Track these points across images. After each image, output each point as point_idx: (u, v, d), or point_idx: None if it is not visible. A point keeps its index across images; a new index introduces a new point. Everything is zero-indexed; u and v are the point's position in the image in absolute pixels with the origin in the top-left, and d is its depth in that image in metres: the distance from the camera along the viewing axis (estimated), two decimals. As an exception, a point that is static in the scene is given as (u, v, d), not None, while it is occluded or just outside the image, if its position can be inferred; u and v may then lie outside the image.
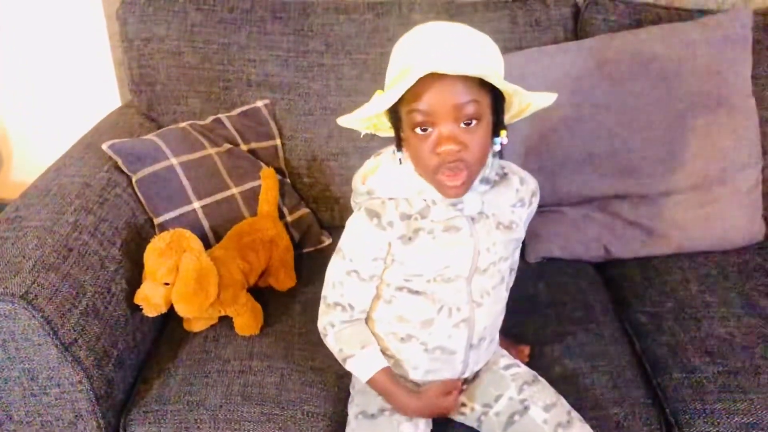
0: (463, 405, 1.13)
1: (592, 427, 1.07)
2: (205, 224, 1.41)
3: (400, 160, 0.99)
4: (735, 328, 1.29)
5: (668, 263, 1.48)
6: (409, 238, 1.00)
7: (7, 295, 1.03)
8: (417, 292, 1.04)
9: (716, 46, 1.48)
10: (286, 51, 1.58)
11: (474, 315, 1.06)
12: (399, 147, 0.99)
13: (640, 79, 1.48)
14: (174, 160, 1.42)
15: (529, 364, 1.18)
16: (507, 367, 1.14)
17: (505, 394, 1.10)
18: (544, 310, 1.37)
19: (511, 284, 1.15)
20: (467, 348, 1.08)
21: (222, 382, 1.19)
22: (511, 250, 1.09)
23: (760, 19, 1.56)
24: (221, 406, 1.15)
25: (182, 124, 1.54)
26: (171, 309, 1.23)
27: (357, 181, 1.05)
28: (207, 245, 1.33)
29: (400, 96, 0.88)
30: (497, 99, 0.93)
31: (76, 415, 1.12)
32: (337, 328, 1.08)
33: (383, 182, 1.01)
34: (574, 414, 1.07)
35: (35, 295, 1.05)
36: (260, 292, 1.38)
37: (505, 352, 1.18)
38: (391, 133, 1.01)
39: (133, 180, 1.39)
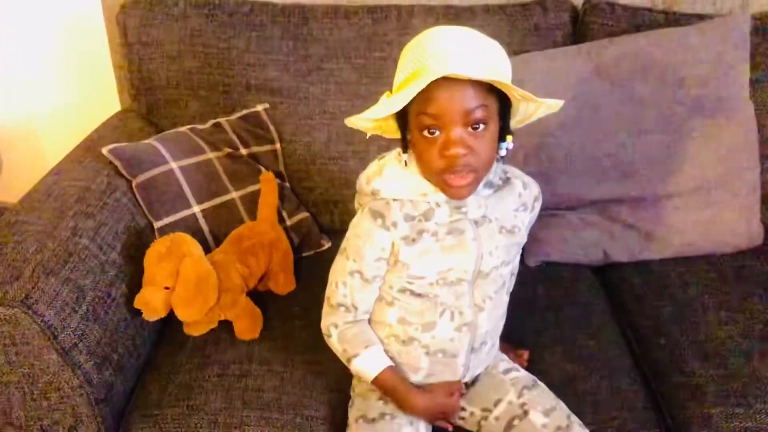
0: (463, 409, 1.13)
1: (591, 431, 1.08)
2: (205, 228, 1.42)
3: (405, 161, 0.99)
4: (734, 332, 1.29)
5: (667, 267, 1.48)
6: (413, 240, 1.00)
7: (8, 300, 1.03)
8: (419, 295, 1.04)
9: (714, 51, 1.49)
10: (286, 55, 1.59)
11: (476, 319, 1.06)
12: (405, 149, 0.99)
13: (639, 83, 1.49)
14: (174, 165, 1.42)
15: (528, 369, 1.18)
16: (506, 372, 1.14)
17: (505, 398, 1.10)
18: (543, 314, 1.37)
19: (511, 289, 1.15)
20: (468, 352, 1.08)
21: (222, 386, 1.19)
22: (513, 254, 1.09)
23: (758, 23, 1.56)
24: (221, 411, 1.15)
25: (182, 129, 1.54)
26: (171, 313, 1.24)
27: (362, 182, 1.05)
28: (207, 249, 1.34)
29: (411, 98, 0.89)
30: (504, 104, 0.94)
31: (76, 420, 1.12)
32: (340, 328, 1.08)
33: (388, 183, 1.01)
34: (574, 418, 1.07)
35: (35, 300, 1.05)
36: (260, 296, 1.38)
37: (504, 356, 1.19)
38: (396, 135, 1.01)
39: (133, 184, 1.39)
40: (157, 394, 1.19)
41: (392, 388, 1.08)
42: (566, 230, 1.52)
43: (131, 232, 1.33)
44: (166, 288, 1.22)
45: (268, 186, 1.46)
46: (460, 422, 1.14)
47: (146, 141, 1.46)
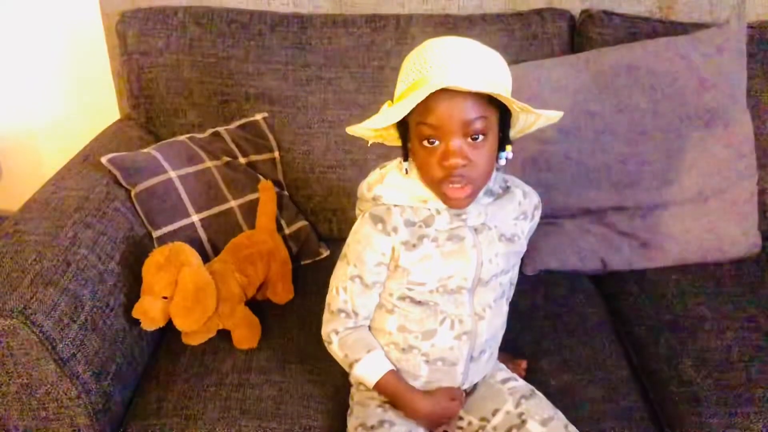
0: (460, 419, 1.13)
1: (589, 440, 1.08)
2: (204, 237, 1.42)
3: (406, 170, 1.00)
4: (731, 341, 1.29)
5: (664, 276, 1.49)
6: (413, 245, 1.01)
7: (6, 310, 1.03)
8: (420, 303, 1.05)
9: (711, 60, 1.50)
10: (285, 64, 1.59)
11: (476, 328, 1.06)
12: (405, 157, 1.00)
13: (636, 92, 1.49)
14: (173, 174, 1.42)
15: (525, 378, 1.18)
16: (504, 381, 1.14)
17: (503, 408, 1.10)
18: (541, 323, 1.37)
19: (510, 298, 1.16)
20: (468, 360, 1.08)
21: (220, 395, 1.19)
22: (512, 263, 1.10)
23: (755, 32, 1.57)
24: (219, 420, 1.15)
25: (181, 138, 1.54)
26: (169, 323, 1.24)
27: (363, 189, 1.06)
28: (205, 258, 1.34)
29: (411, 109, 0.90)
30: (504, 115, 0.94)
31: (75, 430, 1.12)
32: (341, 335, 1.09)
33: (389, 190, 1.02)
34: (572, 428, 1.07)
35: (34, 310, 1.05)
36: (258, 306, 1.38)
37: (502, 365, 1.19)
38: (398, 143, 1.02)
39: (132, 193, 1.39)
40: (155, 403, 1.19)
41: (395, 392, 1.08)
42: (564, 239, 1.53)
43: (130, 242, 1.33)
44: (165, 298, 1.22)
45: (266, 195, 1.46)
46: (457, 431, 1.14)
47: (145, 150, 1.47)
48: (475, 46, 0.93)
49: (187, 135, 1.56)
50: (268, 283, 1.40)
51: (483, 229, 1.03)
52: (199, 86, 1.60)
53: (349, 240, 1.06)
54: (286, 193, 1.60)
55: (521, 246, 1.10)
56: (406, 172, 1.00)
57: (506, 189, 1.07)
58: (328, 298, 1.10)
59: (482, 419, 1.11)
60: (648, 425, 1.19)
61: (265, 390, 1.20)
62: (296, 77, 1.59)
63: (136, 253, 1.32)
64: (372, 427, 1.08)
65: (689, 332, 1.33)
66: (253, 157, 1.57)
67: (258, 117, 1.59)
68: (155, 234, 1.39)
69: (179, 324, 1.23)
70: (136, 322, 1.22)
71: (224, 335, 1.31)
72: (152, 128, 1.66)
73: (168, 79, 1.60)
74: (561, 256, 1.52)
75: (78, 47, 1.84)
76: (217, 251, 1.40)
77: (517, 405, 1.09)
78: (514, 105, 0.91)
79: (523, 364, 1.25)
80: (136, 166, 1.41)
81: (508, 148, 0.98)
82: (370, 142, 1.06)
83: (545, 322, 1.38)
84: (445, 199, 0.97)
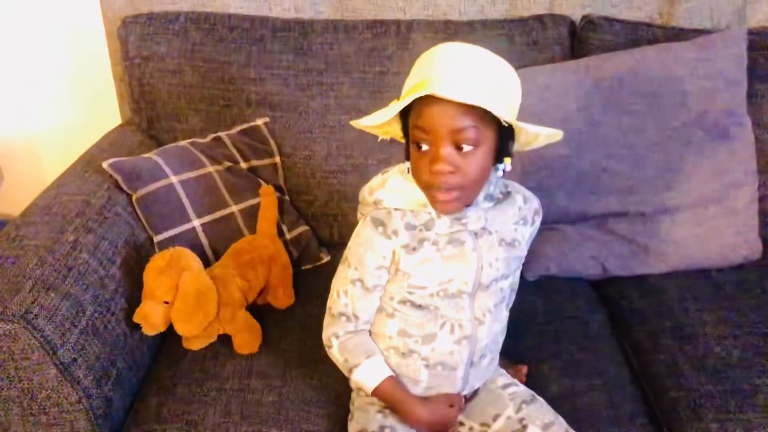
0: (461, 424, 1.13)
1: (589, 446, 1.08)
2: (205, 242, 1.42)
3: (408, 168, 1.00)
4: (732, 347, 1.29)
5: (665, 281, 1.48)
6: (414, 248, 1.01)
7: (7, 315, 1.03)
8: (420, 306, 1.05)
9: (712, 66, 1.50)
10: (286, 69, 1.60)
11: (476, 332, 1.06)
12: (408, 157, 1.01)
13: (637, 97, 1.49)
14: (174, 179, 1.43)
15: (526, 383, 1.18)
16: (505, 386, 1.14)
17: (503, 413, 1.10)
18: (542, 328, 1.37)
19: (511, 304, 1.16)
20: (468, 365, 1.08)
21: (221, 400, 1.19)
22: (513, 268, 1.10)
23: (755, 38, 1.57)
24: (220, 425, 1.15)
25: (182, 143, 1.54)
26: (170, 327, 1.24)
27: (364, 194, 1.06)
28: (206, 263, 1.34)
29: (397, 111, 0.92)
30: (504, 126, 0.94)
31: (75, 435, 1.12)
32: (341, 339, 1.09)
33: (390, 194, 1.03)
34: (572, 433, 1.08)
35: (35, 315, 1.05)
36: (259, 311, 1.38)
37: (503, 371, 1.19)
38: (404, 141, 1.03)
39: (133, 198, 1.39)
40: (156, 408, 1.19)
41: (393, 399, 1.08)
42: (565, 244, 1.53)
43: (131, 247, 1.33)
44: (166, 302, 1.22)
45: (267, 200, 1.47)
46: (458, 437, 1.14)
47: (146, 155, 1.47)
48: (481, 56, 0.93)
49: (189, 140, 1.56)
50: (269, 288, 1.40)
51: (483, 233, 1.04)
52: (200, 91, 1.60)
53: (350, 243, 1.07)
54: (287, 198, 1.60)
55: (522, 251, 1.10)
56: (408, 171, 1.01)
57: (507, 194, 1.08)
58: (329, 302, 1.10)
59: (483, 424, 1.11)
60: (648, 430, 1.18)
61: (266, 395, 1.20)
62: (297, 82, 1.59)
63: (137, 257, 1.32)
64: (373, 432, 1.08)
65: (690, 338, 1.32)
66: (255, 162, 1.57)
67: (259, 122, 1.60)
68: (156, 239, 1.39)
69: (180, 329, 1.23)
70: (137, 327, 1.22)
71: (225, 340, 1.31)
72: (153, 133, 1.67)
73: (169, 84, 1.61)
74: (562, 262, 1.52)
75: (79, 52, 1.84)
76: (218, 256, 1.41)
77: (518, 410, 1.09)
78: (502, 120, 0.90)
79: (524, 369, 1.25)
80: (138, 170, 1.41)
81: (507, 160, 0.98)
82: (380, 138, 1.07)
83: (546, 327, 1.38)
84: (433, 203, 0.98)
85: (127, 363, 1.21)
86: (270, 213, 1.46)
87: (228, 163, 1.52)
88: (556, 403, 1.13)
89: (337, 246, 1.53)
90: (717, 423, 1.16)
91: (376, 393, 1.08)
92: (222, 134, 1.58)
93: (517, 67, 0.98)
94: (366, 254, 1.03)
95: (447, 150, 0.92)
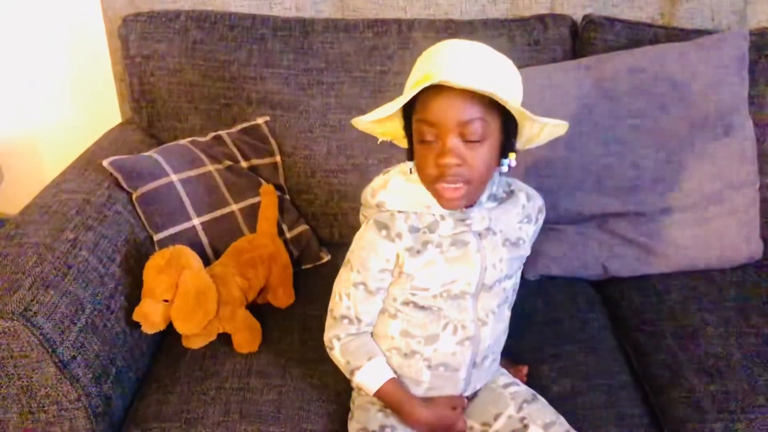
0: (462, 424, 1.13)
1: (590, 446, 1.08)
2: (205, 241, 1.42)
3: (411, 169, 1.00)
4: (733, 347, 1.29)
5: (666, 282, 1.48)
6: (417, 251, 1.01)
7: (7, 312, 1.03)
8: (423, 307, 1.05)
9: (713, 66, 1.50)
10: (287, 68, 1.59)
11: (479, 333, 1.06)
12: (411, 157, 1.00)
13: (638, 98, 1.49)
14: (174, 177, 1.42)
15: (527, 383, 1.18)
16: (506, 386, 1.14)
17: (505, 412, 1.10)
18: (542, 328, 1.37)
19: (512, 304, 1.16)
20: (470, 366, 1.08)
21: (220, 399, 1.19)
22: (516, 268, 1.10)
23: (757, 39, 1.57)
24: (219, 424, 1.15)
25: (182, 141, 1.54)
26: (170, 326, 1.24)
27: (367, 195, 1.06)
28: (206, 262, 1.34)
29: (404, 103, 0.91)
30: (508, 121, 0.94)
31: (74, 433, 1.12)
32: (343, 341, 1.09)
33: (393, 196, 1.02)
34: (573, 433, 1.07)
35: (34, 313, 1.05)
36: (259, 310, 1.38)
37: (504, 371, 1.19)
38: (404, 144, 1.02)
39: (133, 196, 1.39)
40: (155, 407, 1.19)
41: (395, 401, 1.08)
42: (566, 244, 1.52)
43: (131, 245, 1.33)
44: (165, 301, 1.21)
45: (268, 199, 1.46)
46: (459, 437, 1.14)
47: (147, 153, 1.47)
48: (484, 50, 0.94)
49: (189, 138, 1.56)
50: (269, 287, 1.40)
51: (487, 234, 1.03)
52: (200, 90, 1.60)
53: (353, 246, 1.06)
54: (287, 197, 1.60)
55: (526, 250, 1.10)
56: (411, 172, 1.00)
57: (510, 192, 1.07)
58: (331, 304, 1.10)
59: (484, 424, 1.11)
60: (649, 431, 1.18)
61: (265, 394, 1.20)
62: (298, 81, 1.59)
63: (136, 256, 1.32)
64: (373, 432, 1.08)
65: (691, 338, 1.32)
66: (255, 161, 1.57)
67: (260, 121, 1.59)
68: (156, 237, 1.39)
69: (180, 327, 1.23)
70: (137, 325, 1.21)
71: (225, 339, 1.30)
72: (154, 132, 1.66)
73: (170, 83, 1.61)
74: (562, 262, 1.51)
75: (80, 51, 1.84)
76: (218, 255, 1.40)
77: (519, 410, 1.09)
78: (508, 106, 0.91)
79: (525, 369, 1.24)
80: (138, 169, 1.41)
81: (512, 155, 0.98)
82: (379, 141, 1.06)
83: (546, 327, 1.37)
84: (439, 198, 0.97)
85: (126, 361, 1.21)
86: (270, 212, 1.46)
87: (228, 162, 1.52)
88: (556, 403, 1.13)
89: (337, 245, 1.52)
90: (718, 423, 1.16)
91: (378, 395, 1.08)
92: (222, 133, 1.58)
93: (518, 67, 0.98)
94: (369, 258, 1.03)
95: (454, 142, 0.92)
